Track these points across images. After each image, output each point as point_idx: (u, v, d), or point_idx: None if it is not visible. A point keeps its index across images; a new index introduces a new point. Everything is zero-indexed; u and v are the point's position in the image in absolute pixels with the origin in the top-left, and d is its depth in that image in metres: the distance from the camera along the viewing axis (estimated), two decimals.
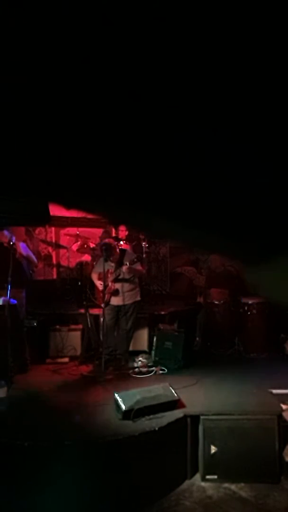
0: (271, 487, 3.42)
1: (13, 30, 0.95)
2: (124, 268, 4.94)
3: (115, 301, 5.12)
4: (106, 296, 5.09)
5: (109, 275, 5.04)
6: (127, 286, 5.11)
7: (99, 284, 5.18)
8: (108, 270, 5.04)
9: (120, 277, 5.06)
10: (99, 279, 5.17)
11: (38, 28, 0.94)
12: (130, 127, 1.10)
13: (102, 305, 5.04)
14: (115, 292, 5.07)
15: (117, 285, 5.08)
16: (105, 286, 5.05)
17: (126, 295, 5.11)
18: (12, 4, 0.90)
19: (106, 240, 5.42)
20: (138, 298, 5.28)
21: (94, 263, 5.65)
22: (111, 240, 5.49)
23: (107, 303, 5.09)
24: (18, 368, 4.63)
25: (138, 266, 5.16)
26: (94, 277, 5.31)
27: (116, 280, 5.06)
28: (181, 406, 3.73)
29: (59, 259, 8.14)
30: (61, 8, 0.90)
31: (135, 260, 5.01)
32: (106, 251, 4.97)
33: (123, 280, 5.08)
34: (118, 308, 5.15)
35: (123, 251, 5.28)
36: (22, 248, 4.91)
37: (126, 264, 4.93)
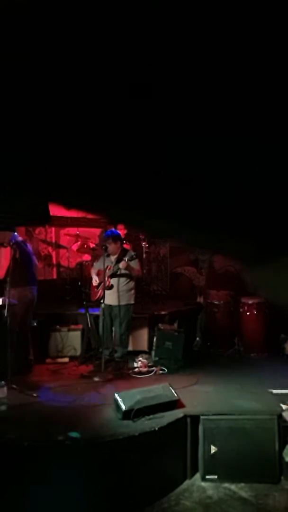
0: (271, 487, 3.42)
1: (12, 28, 0.95)
2: (121, 264, 4.95)
3: (108, 300, 5.05)
4: (100, 292, 5.08)
5: (107, 271, 5.03)
6: (121, 285, 5.07)
7: (94, 279, 5.20)
8: (107, 266, 5.03)
9: (118, 272, 5.05)
10: (98, 274, 5.19)
11: (37, 27, 0.95)
12: (130, 127, 1.11)
13: (103, 304, 5.04)
14: (109, 288, 5.03)
15: (113, 282, 5.06)
16: (101, 282, 5.05)
17: (119, 295, 5.05)
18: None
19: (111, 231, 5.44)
20: (132, 302, 5.19)
21: (95, 262, 5.66)
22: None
23: (101, 300, 5.08)
24: (21, 369, 4.62)
25: (137, 266, 5.15)
26: (93, 272, 5.33)
27: (113, 275, 5.04)
28: (181, 406, 3.73)
29: (59, 259, 8.13)
30: (61, 7, 0.90)
31: (134, 256, 5.01)
32: (112, 239, 5.04)
33: (119, 276, 5.05)
34: (110, 308, 5.11)
35: (124, 250, 5.29)
36: (28, 246, 4.97)
37: (125, 260, 4.95)
